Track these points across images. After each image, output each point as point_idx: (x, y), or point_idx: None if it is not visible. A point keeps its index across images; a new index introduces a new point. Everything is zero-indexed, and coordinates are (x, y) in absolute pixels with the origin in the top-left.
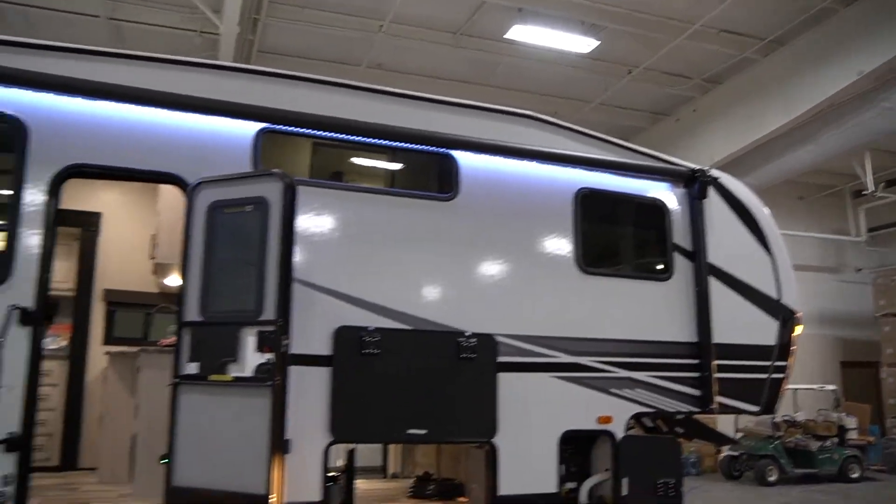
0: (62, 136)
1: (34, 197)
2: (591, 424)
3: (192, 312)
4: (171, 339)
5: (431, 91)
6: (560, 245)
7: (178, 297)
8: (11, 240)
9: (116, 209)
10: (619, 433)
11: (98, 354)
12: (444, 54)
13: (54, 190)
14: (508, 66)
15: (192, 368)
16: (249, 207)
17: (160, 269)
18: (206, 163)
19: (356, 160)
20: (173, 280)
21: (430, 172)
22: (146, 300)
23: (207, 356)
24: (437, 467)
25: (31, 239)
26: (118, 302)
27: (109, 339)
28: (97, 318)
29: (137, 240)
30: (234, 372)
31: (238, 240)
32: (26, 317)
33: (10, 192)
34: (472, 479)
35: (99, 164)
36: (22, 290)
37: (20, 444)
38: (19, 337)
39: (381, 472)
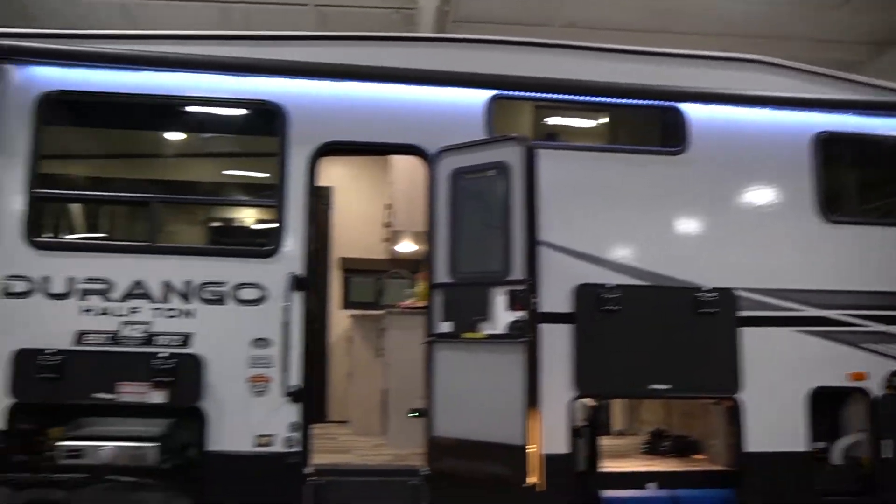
0: (315, 117)
1: (296, 175)
2: (841, 381)
3: (442, 275)
4: (411, 302)
5: (624, 44)
6: (798, 193)
7: (425, 261)
8: (281, 214)
9: (347, 183)
10: (875, 391)
11: (337, 318)
12: (631, 5)
13: (312, 167)
14: (697, 11)
15: (445, 327)
16: (491, 172)
17: (394, 237)
18: (443, 132)
19: (576, 120)
20: (405, 246)
21: (653, 127)
22: (377, 266)
23: (459, 315)
24: (668, 424)
25: (296, 213)
26: (352, 269)
27: (346, 303)
28: (335, 285)
29: (367, 211)
30: (486, 329)
31: (482, 204)
32: (299, 283)
33: (276, 172)
34: (712, 436)
35: (348, 141)
36: (292, 260)
37: (303, 395)
38: (295, 301)
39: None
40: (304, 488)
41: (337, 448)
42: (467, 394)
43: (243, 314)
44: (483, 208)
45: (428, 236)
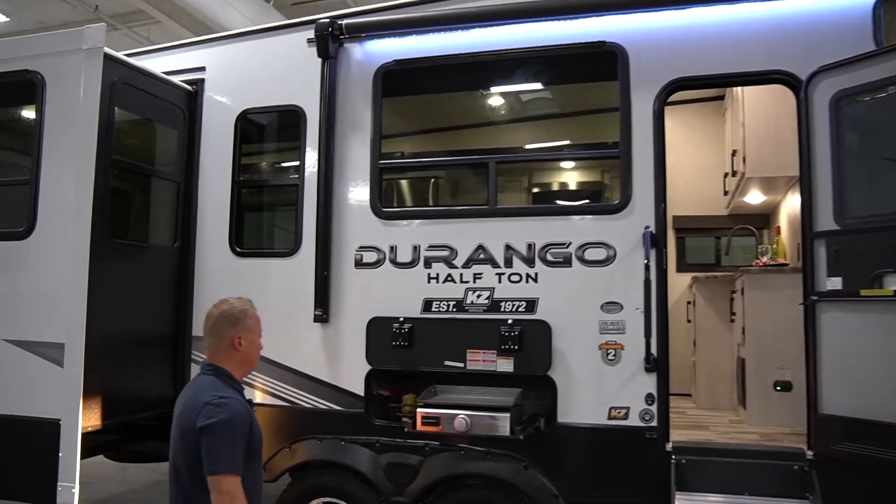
0: (659, 53)
1: (642, 119)
2: None
3: (825, 221)
4: (767, 259)
5: None
6: None
7: (804, 208)
8: (627, 165)
9: (676, 135)
10: None
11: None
12: None
13: (658, 110)
14: None
15: (833, 284)
16: (892, 89)
17: (741, 188)
18: (817, 51)
19: None
20: (753, 197)
21: None
22: (713, 224)
23: (853, 269)
24: None
25: (644, 162)
26: (685, 228)
27: (680, 266)
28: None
29: (701, 164)
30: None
31: (878, 131)
32: (654, 239)
33: (619, 119)
34: None
35: (697, 76)
36: (643, 215)
37: (659, 365)
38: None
39: None
40: (666, 468)
41: (690, 424)
42: (867, 364)
43: (590, 276)
44: (880, 136)
45: (800, 179)
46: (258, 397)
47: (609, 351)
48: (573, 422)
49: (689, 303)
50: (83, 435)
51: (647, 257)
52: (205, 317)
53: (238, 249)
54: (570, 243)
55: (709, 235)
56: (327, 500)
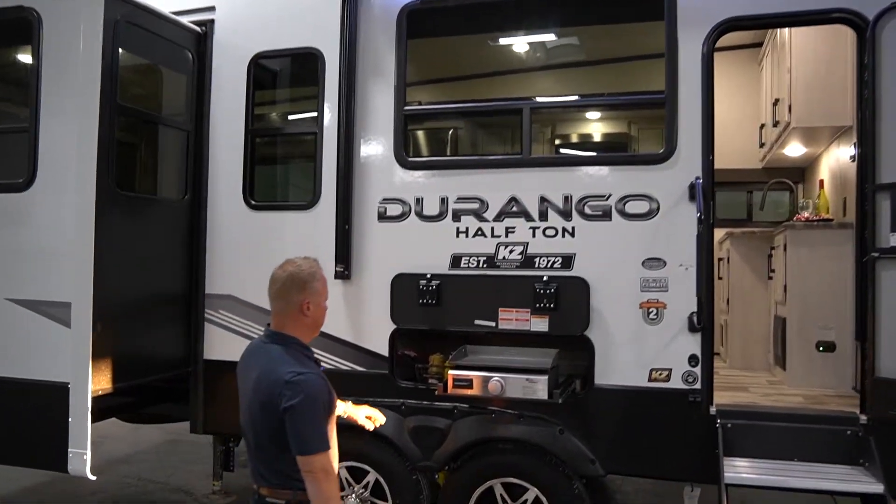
0: None
1: (689, 61)
2: None
3: (890, 173)
4: (810, 214)
5: None
6: None
7: (858, 159)
8: (673, 111)
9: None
10: None
11: None
12: None
13: (707, 51)
14: None
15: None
16: None
17: (783, 139)
18: None
19: None
20: (794, 149)
21: None
22: (745, 178)
23: None
24: None
25: (691, 108)
26: (717, 182)
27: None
28: None
29: (734, 114)
30: None
31: None
32: (703, 191)
33: (665, 62)
34: None
35: (751, 15)
36: (691, 165)
37: (704, 324)
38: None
39: None
40: (710, 432)
41: (727, 385)
42: None
43: (631, 231)
44: None
45: (860, 129)
46: None
47: (650, 310)
48: (611, 384)
49: (720, 259)
50: (93, 398)
51: (700, 210)
52: (270, 279)
53: (253, 202)
54: (609, 195)
55: (741, 190)
56: (350, 464)
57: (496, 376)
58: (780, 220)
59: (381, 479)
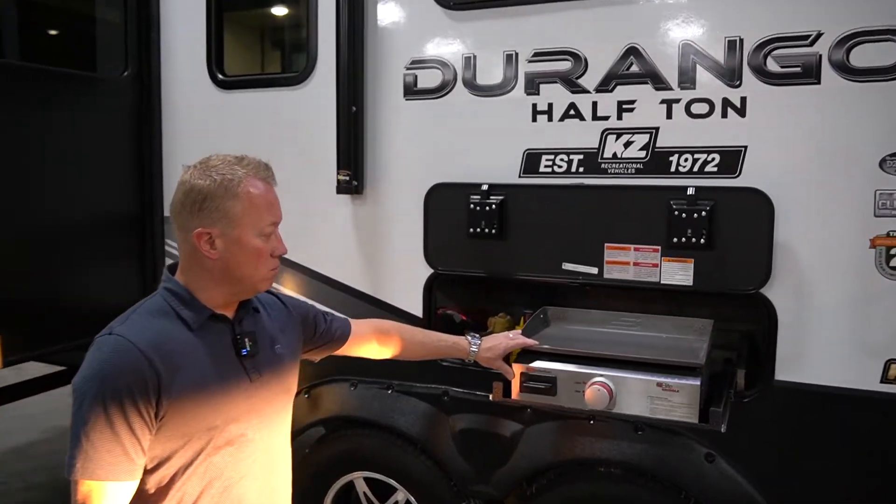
0: None
1: None
2: None
3: None
4: None
5: None
6: None
7: None
8: None
9: None
10: None
11: None
12: None
13: None
14: None
15: None
16: None
17: None
18: None
19: None
20: None
21: None
22: None
23: None
24: None
25: None
26: None
27: None
28: None
29: None
30: None
31: None
32: None
33: None
34: None
35: None
36: None
37: None
38: None
39: None
40: None
41: None
42: None
43: (859, 101)
44: None
45: None
46: None
47: (894, 249)
48: (808, 381)
49: None
50: None
51: None
52: None
53: (220, 78)
54: (818, 35)
55: None
56: (369, 474)
57: (600, 377)
58: None
59: (414, 502)
